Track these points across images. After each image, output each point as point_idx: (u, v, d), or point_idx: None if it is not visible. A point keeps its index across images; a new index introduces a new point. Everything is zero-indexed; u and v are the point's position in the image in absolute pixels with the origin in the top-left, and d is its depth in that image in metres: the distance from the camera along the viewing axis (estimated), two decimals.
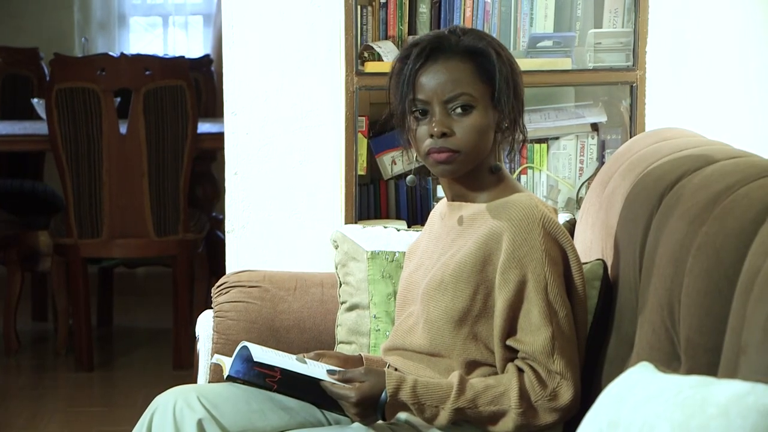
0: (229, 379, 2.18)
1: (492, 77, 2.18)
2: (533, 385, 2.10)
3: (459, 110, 2.17)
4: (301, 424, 2.30)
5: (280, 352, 2.27)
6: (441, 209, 2.35)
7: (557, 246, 2.15)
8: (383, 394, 2.09)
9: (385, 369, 2.20)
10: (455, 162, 2.18)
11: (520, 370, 2.12)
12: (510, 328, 2.14)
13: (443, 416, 2.10)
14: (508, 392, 2.10)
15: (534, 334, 2.11)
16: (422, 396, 2.08)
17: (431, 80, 2.18)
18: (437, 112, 2.17)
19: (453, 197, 2.28)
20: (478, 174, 2.23)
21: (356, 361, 2.36)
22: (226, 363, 2.22)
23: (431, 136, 2.17)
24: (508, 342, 2.13)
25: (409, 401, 2.08)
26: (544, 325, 2.10)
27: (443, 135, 2.16)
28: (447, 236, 2.26)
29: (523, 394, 2.09)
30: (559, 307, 2.12)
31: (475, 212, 2.22)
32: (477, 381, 2.12)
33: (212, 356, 2.72)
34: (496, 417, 2.11)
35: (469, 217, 2.22)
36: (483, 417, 2.10)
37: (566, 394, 2.10)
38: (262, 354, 2.18)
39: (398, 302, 2.36)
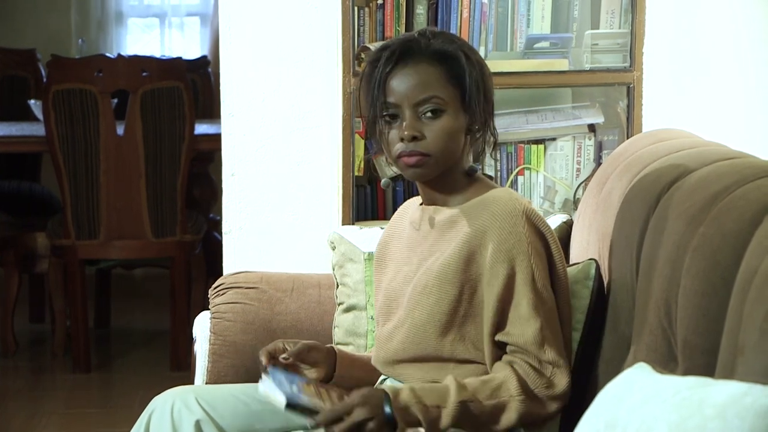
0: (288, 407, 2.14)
1: (462, 80, 2.18)
2: (528, 374, 2.10)
3: (429, 114, 2.17)
4: (299, 427, 2.29)
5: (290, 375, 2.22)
6: (411, 214, 2.33)
7: (540, 237, 2.16)
8: (386, 405, 2.04)
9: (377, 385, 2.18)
10: (426, 165, 2.18)
11: (513, 365, 2.11)
12: (499, 323, 2.13)
13: (447, 414, 2.06)
14: (507, 383, 2.09)
15: (524, 325, 2.10)
16: (423, 396, 2.06)
17: (401, 84, 2.18)
18: (408, 116, 2.17)
19: (428, 201, 2.28)
20: (452, 177, 2.23)
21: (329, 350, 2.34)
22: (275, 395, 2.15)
23: (402, 140, 2.17)
24: (497, 337, 2.13)
25: (410, 402, 2.06)
26: (533, 317, 2.10)
27: (414, 138, 2.16)
28: (424, 241, 2.25)
29: (522, 384, 2.09)
30: (546, 297, 2.13)
31: (452, 215, 2.21)
32: (472, 379, 2.12)
33: (208, 357, 2.72)
34: (498, 410, 2.09)
35: (446, 221, 2.22)
36: (485, 411, 2.08)
37: (561, 381, 2.10)
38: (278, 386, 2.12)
39: (380, 312, 2.33)
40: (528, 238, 2.13)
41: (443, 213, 2.23)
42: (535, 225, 2.15)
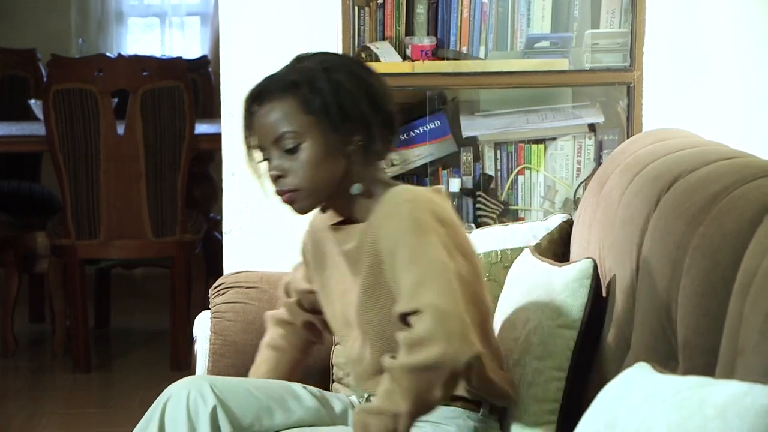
0: None
1: (314, 105, 2.16)
2: (403, 335, 2.01)
3: (289, 149, 2.16)
4: (307, 423, 2.30)
5: None
6: (323, 233, 2.32)
7: (432, 216, 2.11)
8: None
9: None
10: (300, 200, 2.19)
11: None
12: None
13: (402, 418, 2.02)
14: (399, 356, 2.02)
15: (416, 293, 2.03)
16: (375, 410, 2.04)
17: (259, 126, 2.20)
18: (273, 156, 2.18)
19: (335, 223, 2.28)
20: (344, 197, 2.21)
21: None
22: None
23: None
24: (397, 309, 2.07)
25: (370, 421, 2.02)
26: (409, 269, 2.04)
27: (278, 177, 2.18)
28: (345, 262, 2.24)
29: (404, 344, 2.00)
30: (430, 259, 2.05)
31: (360, 230, 2.20)
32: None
33: (209, 356, 2.72)
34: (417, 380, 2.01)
35: (357, 238, 2.20)
36: (417, 387, 2.01)
37: (420, 326, 1.99)
38: None
39: (336, 330, 2.35)
40: (409, 218, 2.09)
41: (352, 230, 2.22)
42: (423, 207, 2.11)
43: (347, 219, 2.26)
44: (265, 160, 2.22)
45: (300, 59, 2.27)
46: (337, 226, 2.27)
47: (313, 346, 2.53)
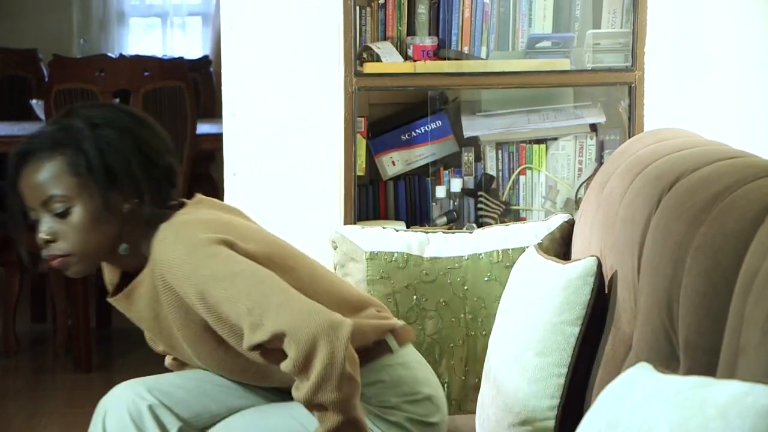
0: None
1: (81, 167, 2.09)
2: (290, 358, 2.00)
3: (59, 213, 2.09)
4: (256, 403, 2.31)
5: None
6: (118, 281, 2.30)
7: (205, 232, 2.08)
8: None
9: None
10: (73, 264, 2.15)
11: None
12: (235, 332, 2.07)
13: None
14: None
15: (238, 314, 2.02)
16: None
17: (24, 188, 2.11)
18: (43, 219, 2.11)
19: (122, 278, 2.25)
20: (124, 256, 2.17)
21: None
22: None
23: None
24: (245, 346, 2.06)
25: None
26: (242, 312, 2.01)
27: (48, 242, 2.11)
28: (150, 314, 2.20)
29: (295, 374, 2.00)
30: (239, 278, 2.03)
31: (146, 281, 2.15)
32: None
33: None
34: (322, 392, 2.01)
35: (146, 291, 2.16)
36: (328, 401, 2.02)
37: (291, 349, 1.98)
38: None
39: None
40: (189, 257, 2.05)
41: (141, 285, 2.17)
42: (189, 241, 2.07)
43: (129, 277, 2.20)
44: (35, 221, 2.12)
45: (70, 113, 2.15)
46: (122, 287, 2.21)
47: None
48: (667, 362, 1.86)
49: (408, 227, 3.07)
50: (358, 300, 2.30)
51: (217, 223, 2.16)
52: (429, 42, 3.12)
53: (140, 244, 2.15)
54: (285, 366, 2.00)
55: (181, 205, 2.22)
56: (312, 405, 2.01)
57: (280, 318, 1.99)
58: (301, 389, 2.00)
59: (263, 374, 2.24)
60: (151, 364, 4.80)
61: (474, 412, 2.52)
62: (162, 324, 2.21)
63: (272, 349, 2.03)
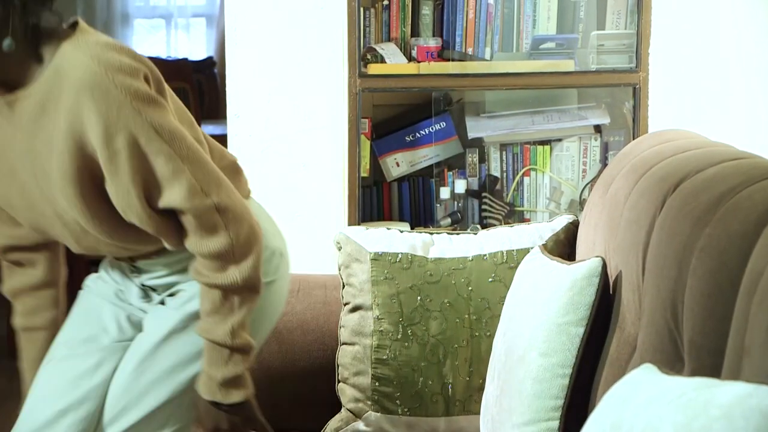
0: None
1: None
2: (201, 226, 2.03)
3: None
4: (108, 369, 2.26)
5: None
6: None
7: (135, 76, 1.96)
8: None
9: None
10: None
11: (187, 225, 2.05)
12: (149, 195, 2.02)
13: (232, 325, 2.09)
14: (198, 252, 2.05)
15: (175, 182, 2.00)
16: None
17: None
18: None
19: None
20: (3, 55, 1.96)
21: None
22: None
23: None
24: (162, 205, 2.02)
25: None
26: (180, 170, 2.00)
27: None
28: (24, 146, 2.04)
29: (213, 255, 2.05)
30: (181, 136, 2.00)
31: (37, 97, 1.98)
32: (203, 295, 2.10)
33: None
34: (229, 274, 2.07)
35: (33, 109, 1.99)
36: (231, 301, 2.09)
37: (229, 231, 2.05)
38: None
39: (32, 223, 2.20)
40: (125, 94, 1.94)
41: (23, 98, 2.00)
42: (122, 72, 1.94)
43: (10, 84, 2.02)
44: None
45: None
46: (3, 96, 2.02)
47: (55, 264, 2.41)
48: (672, 363, 1.86)
49: (412, 228, 3.07)
50: (234, 161, 2.34)
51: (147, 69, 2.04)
52: (433, 43, 3.12)
53: (30, 51, 1.99)
54: (213, 244, 2.04)
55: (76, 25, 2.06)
56: (236, 288, 2.06)
57: (223, 194, 2.04)
58: (226, 273, 2.05)
59: (122, 246, 2.15)
60: None
61: (478, 413, 2.52)
62: (34, 161, 2.04)
63: (173, 220, 2.05)
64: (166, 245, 2.13)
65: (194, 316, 2.17)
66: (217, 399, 2.13)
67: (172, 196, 2.01)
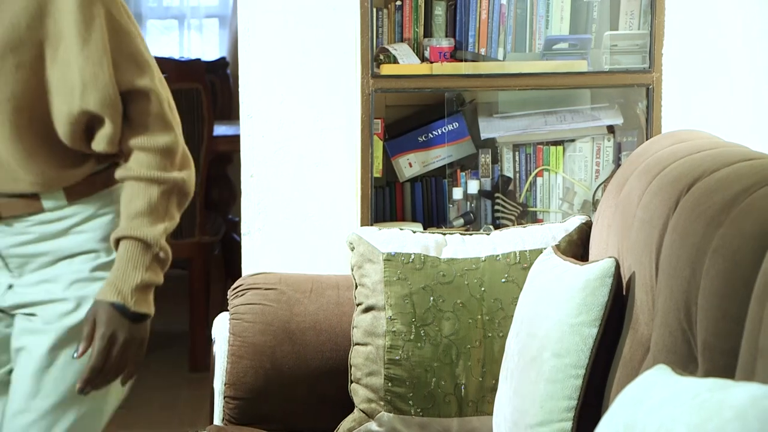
0: None
1: None
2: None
3: None
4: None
5: None
6: None
7: None
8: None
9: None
10: None
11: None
12: (115, 70, 1.98)
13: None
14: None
15: (144, 63, 2.00)
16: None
17: None
18: None
19: None
20: None
21: None
22: None
23: None
24: (125, 86, 1.99)
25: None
26: (147, 53, 2.01)
27: None
28: None
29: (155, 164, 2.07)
30: (142, 40, 2.03)
31: None
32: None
33: (227, 358, 2.73)
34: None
35: None
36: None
37: (171, 133, 2.09)
38: None
39: None
40: None
41: None
42: None
43: None
44: None
45: None
46: None
47: None
48: (685, 364, 1.85)
49: (425, 229, 3.07)
50: None
51: None
52: (446, 43, 3.12)
53: None
54: (164, 139, 2.05)
55: None
56: (176, 188, 2.10)
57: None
58: (171, 172, 2.07)
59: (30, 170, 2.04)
60: (168, 365, 4.81)
61: (491, 414, 2.51)
62: None
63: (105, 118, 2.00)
64: (102, 146, 2.03)
65: (72, 331, 2.08)
66: (127, 303, 2.06)
67: (139, 76, 2.00)
